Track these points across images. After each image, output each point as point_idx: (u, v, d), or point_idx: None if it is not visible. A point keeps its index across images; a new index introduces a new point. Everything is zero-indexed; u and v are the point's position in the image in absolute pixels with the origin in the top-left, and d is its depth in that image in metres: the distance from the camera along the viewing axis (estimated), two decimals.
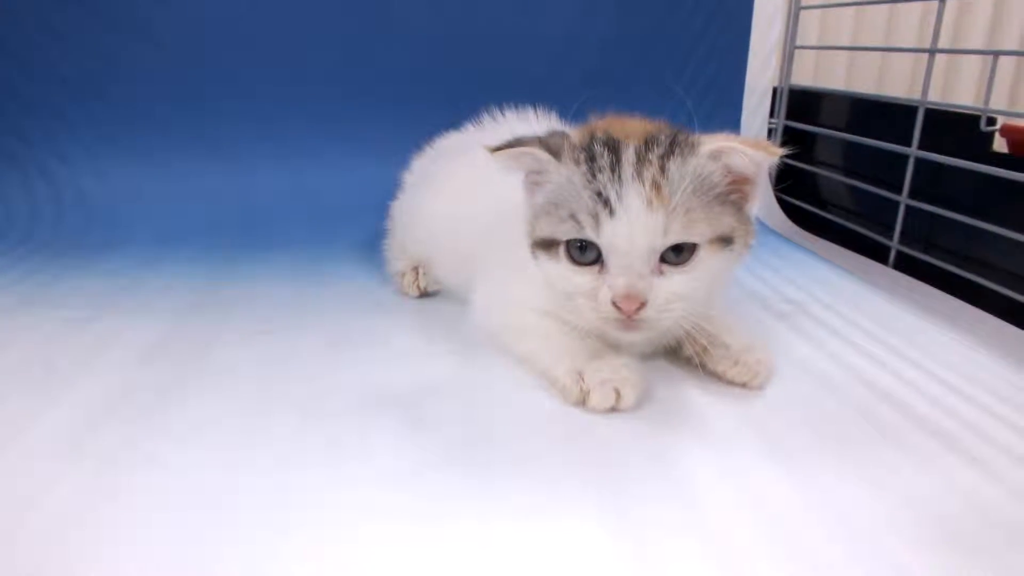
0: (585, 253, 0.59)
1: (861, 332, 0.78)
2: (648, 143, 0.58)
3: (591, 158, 0.58)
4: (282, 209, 1.09)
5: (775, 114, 1.30)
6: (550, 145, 0.61)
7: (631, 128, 0.61)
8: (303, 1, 1.11)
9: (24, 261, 0.95)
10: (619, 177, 0.56)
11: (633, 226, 0.56)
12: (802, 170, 1.25)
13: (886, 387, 0.66)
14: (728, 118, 1.27)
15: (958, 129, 0.97)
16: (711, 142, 0.58)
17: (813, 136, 1.24)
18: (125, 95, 1.11)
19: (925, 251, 0.97)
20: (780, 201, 1.28)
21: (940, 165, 0.94)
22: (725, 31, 1.23)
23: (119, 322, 0.76)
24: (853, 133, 1.13)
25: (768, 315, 0.82)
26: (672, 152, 0.57)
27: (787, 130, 1.29)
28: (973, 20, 1.56)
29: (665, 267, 0.58)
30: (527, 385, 0.64)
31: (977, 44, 1.55)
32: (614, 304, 0.57)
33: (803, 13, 1.26)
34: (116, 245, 1.01)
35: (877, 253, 1.05)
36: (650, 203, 0.55)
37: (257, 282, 0.89)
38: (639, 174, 0.56)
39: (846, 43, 1.54)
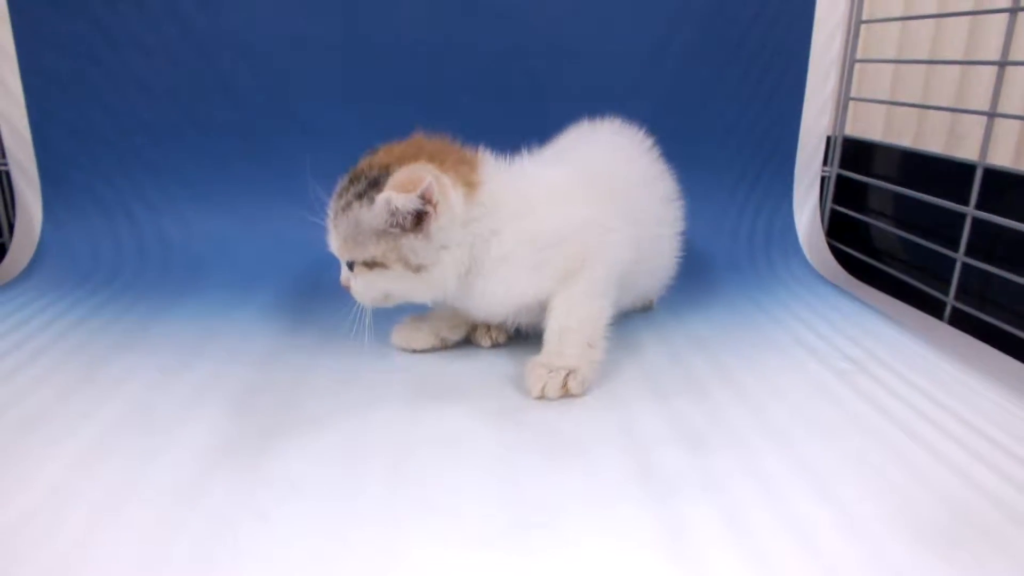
0: None
1: (920, 393, 0.80)
2: (353, 179, 0.77)
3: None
4: None
5: (828, 162, 1.32)
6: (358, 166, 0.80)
7: (381, 156, 0.78)
8: (373, 52, 1.17)
9: (112, 303, 1.00)
10: (332, 204, 0.78)
11: (331, 242, 0.79)
12: (855, 218, 1.28)
13: (943, 450, 0.68)
14: (782, 166, 1.30)
15: (1015, 188, 0.99)
16: (383, 192, 0.71)
17: (866, 185, 1.26)
18: (204, 143, 1.17)
19: (980, 307, 0.99)
20: (832, 249, 1.30)
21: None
22: (781, 83, 1.26)
23: (210, 369, 0.81)
24: (907, 185, 1.15)
25: (827, 372, 0.85)
26: (360, 194, 0.74)
27: (840, 179, 1.31)
28: (1013, 77, 1.54)
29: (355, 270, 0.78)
30: (608, 440, 0.68)
31: (1016, 98, 1.53)
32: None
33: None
34: (195, 288, 1.07)
35: (930, 304, 1.07)
36: (332, 226, 0.78)
37: (334, 330, 0.93)
38: (334, 203, 0.77)
39: (884, 91, 1.54)
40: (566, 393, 0.77)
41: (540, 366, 0.77)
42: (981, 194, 0.99)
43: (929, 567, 0.52)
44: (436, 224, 0.73)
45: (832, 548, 0.54)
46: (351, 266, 0.78)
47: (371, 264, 0.75)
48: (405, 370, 0.83)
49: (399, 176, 0.72)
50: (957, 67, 1.46)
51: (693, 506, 0.58)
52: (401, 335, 0.89)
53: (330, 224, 0.78)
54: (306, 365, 0.83)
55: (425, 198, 0.71)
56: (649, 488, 0.61)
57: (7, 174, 1.17)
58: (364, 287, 0.78)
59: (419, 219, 0.73)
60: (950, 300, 1.03)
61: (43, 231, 1.16)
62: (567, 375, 0.76)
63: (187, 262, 1.13)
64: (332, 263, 0.81)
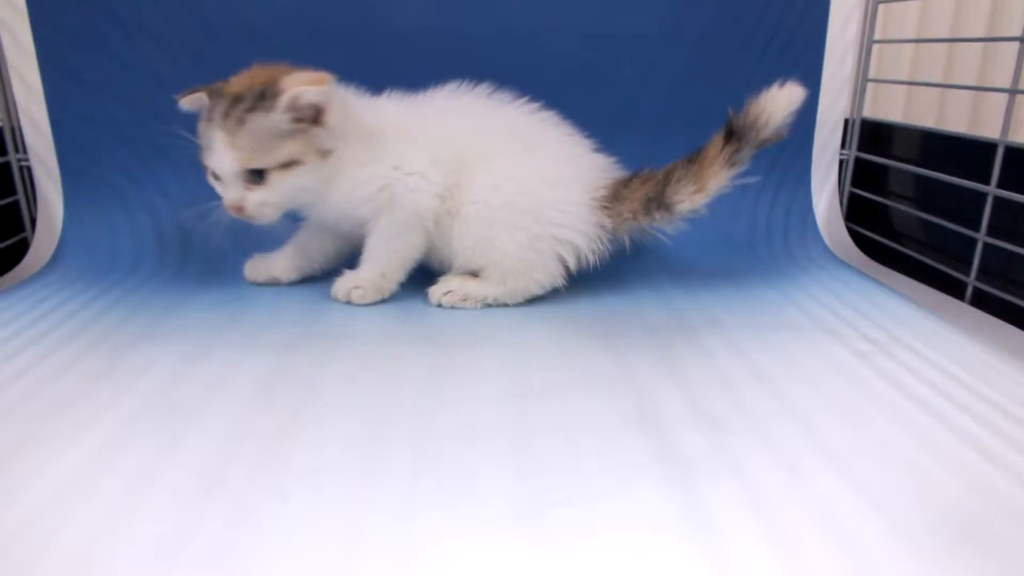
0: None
1: (942, 373, 0.79)
2: (236, 99, 0.84)
3: (208, 106, 0.86)
4: None
5: (846, 145, 1.31)
6: (210, 91, 0.87)
7: (245, 80, 0.86)
8: (389, 41, 1.17)
9: (133, 294, 1.01)
10: (212, 124, 0.84)
11: (220, 159, 0.84)
12: (874, 201, 1.27)
13: (966, 430, 0.67)
14: (799, 150, 1.29)
15: None
16: (286, 92, 0.83)
17: (884, 167, 1.25)
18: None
19: (1002, 287, 0.98)
20: (851, 232, 1.29)
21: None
22: (797, 65, 1.25)
23: (230, 357, 0.82)
24: (926, 166, 1.14)
25: (847, 353, 0.84)
26: (252, 107, 0.83)
27: (859, 161, 1.30)
28: None
29: (252, 185, 0.86)
30: (627, 423, 0.68)
31: None
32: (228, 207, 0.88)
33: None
34: (214, 278, 1.08)
35: (951, 286, 1.06)
36: (228, 145, 0.83)
37: (351, 316, 0.95)
38: (223, 125, 0.84)
39: (905, 74, 1.53)
40: (347, 297, 0.98)
41: (342, 277, 0.98)
42: (1003, 173, 0.98)
43: (953, 546, 0.52)
44: (332, 116, 0.87)
45: (855, 529, 0.53)
46: (259, 175, 0.86)
47: (287, 164, 0.86)
48: (423, 356, 0.83)
49: (299, 77, 0.85)
50: (979, 49, 1.45)
51: (713, 487, 0.58)
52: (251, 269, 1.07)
53: (220, 146, 0.84)
54: (324, 352, 0.84)
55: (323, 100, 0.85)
56: (669, 470, 0.61)
57: (28, 169, 1.18)
58: (276, 192, 0.87)
59: (316, 116, 0.86)
60: (971, 280, 1.02)
61: (64, 225, 1.17)
62: (354, 287, 0.97)
63: (206, 253, 1.14)
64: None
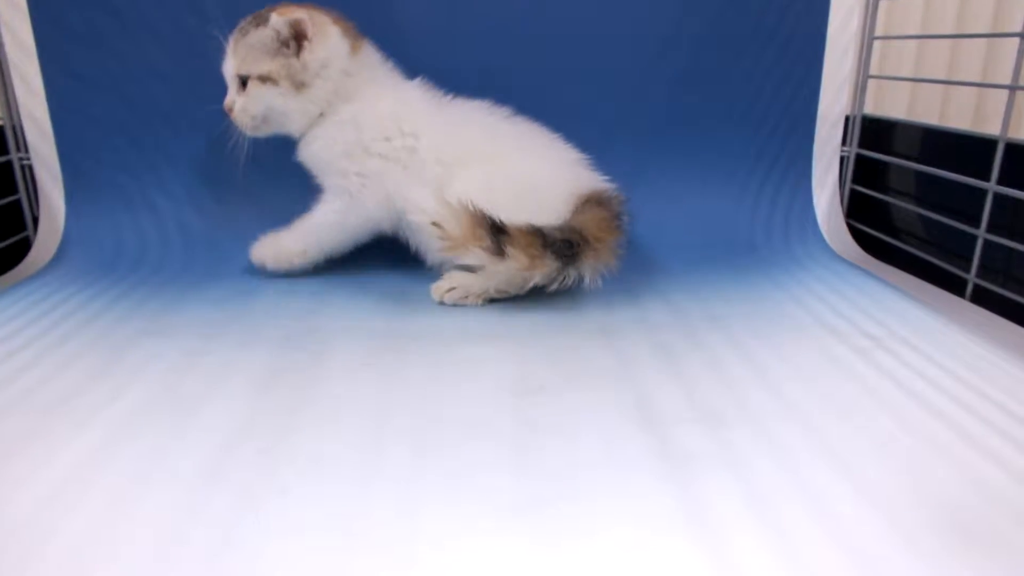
0: None
1: (941, 370, 0.79)
2: (254, 18, 0.97)
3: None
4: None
5: (847, 142, 1.31)
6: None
7: (278, 7, 0.96)
8: (388, 36, 1.17)
9: (136, 291, 1.02)
10: (232, 34, 0.98)
11: (226, 62, 0.99)
12: (874, 197, 1.27)
13: (965, 426, 0.67)
14: (800, 147, 1.29)
15: None
16: (274, 17, 0.94)
17: (885, 164, 1.25)
18: (223, 133, 1.17)
19: (1003, 284, 0.98)
20: (851, 228, 1.29)
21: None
22: (797, 63, 1.25)
23: (231, 353, 0.82)
24: (927, 163, 1.14)
25: (847, 350, 0.84)
26: (256, 24, 0.96)
27: (859, 158, 1.30)
28: None
29: (241, 91, 0.98)
30: (627, 419, 0.68)
31: None
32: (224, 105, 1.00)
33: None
34: (216, 275, 1.08)
35: (951, 282, 1.06)
36: (232, 51, 0.98)
37: (352, 312, 0.95)
38: (235, 35, 0.97)
39: (908, 70, 1.53)
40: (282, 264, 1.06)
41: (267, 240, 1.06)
42: (1003, 169, 0.98)
43: (952, 543, 0.52)
44: (311, 55, 0.96)
45: (854, 525, 0.54)
46: (244, 83, 0.97)
47: (264, 79, 0.96)
48: (424, 352, 0.83)
49: (283, 8, 0.95)
50: (983, 46, 1.45)
51: (712, 483, 0.59)
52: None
53: (230, 51, 0.98)
54: (325, 348, 0.84)
55: (296, 27, 0.94)
56: (668, 466, 0.61)
57: (30, 168, 1.19)
58: (251, 101, 0.98)
59: (298, 48, 0.96)
60: (971, 277, 1.02)
61: (66, 223, 1.18)
62: (291, 253, 1.05)
63: (208, 250, 1.14)
64: None
